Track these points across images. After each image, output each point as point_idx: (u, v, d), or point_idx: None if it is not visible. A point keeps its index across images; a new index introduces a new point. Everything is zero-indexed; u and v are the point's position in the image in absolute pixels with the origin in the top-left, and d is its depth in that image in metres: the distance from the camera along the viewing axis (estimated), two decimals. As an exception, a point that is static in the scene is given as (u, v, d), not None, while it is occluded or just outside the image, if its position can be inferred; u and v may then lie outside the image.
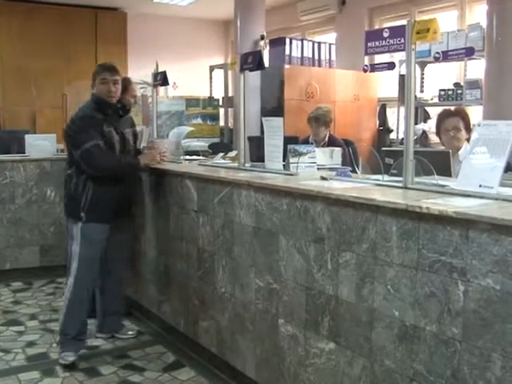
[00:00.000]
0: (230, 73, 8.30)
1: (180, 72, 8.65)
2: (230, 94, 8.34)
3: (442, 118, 3.94)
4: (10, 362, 3.79)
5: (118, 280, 4.24)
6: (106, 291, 4.17)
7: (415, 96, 2.74)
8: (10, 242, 5.61)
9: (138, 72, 6.97)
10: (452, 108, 4.21)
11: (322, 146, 4.97)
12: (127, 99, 4.58)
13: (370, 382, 2.49)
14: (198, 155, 5.03)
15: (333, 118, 5.54)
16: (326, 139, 5.35)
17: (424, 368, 2.24)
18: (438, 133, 4.01)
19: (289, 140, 3.71)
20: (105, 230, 3.87)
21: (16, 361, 3.81)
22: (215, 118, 7.87)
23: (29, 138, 5.79)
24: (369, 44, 2.73)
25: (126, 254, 4.28)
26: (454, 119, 3.84)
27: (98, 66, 4.00)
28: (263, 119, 3.70)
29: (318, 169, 3.52)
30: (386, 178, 2.84)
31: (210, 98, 8.29)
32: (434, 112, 6.55)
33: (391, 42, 2.63)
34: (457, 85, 6.49)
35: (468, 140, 3.75)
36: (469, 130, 3.82)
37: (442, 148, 3.94)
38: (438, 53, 3.39)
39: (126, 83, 4.64)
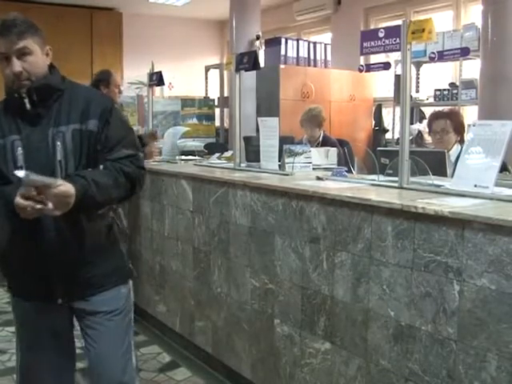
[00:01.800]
0: (225, 73, 8.29)
1: (175, 72, 8.63)
2: (226, 94, 8.34)
3: (431, 119, 4.01)
4: (5, 362, 3.78)
5: None
6: None
7: (411, 96, 2.74)
8: (5, 243, 5.58)
9: (134, 72, 6.97)
10: (444, 109, 4.24)
11: (316, 146, 4.98)
12: (113, 91, 4.50)
13: (365, 382, 2.49)
14: (194, 155, 5.03)
15: (325, 117, 5.56)
16: (320, 139, 5.38)
17: (419, 368, 2.24)
18: (429, 134, 4.07)
19: (284, 140, 3.71)
20: (26, 310, 2.39)
21: (12, 361, 3.79)
22: (211, 118, 7.86)
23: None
24: (364, 44, 2.74)
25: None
26: (441, 121, 3.88)
27: None
28: (259, 119, 3.71)
29: (313, 169, 3.52)
30: (382, 177, 2.84)
31: (206, 98, 8.28)
32: (430, 112, 6.57)
33: (387, 42, 2.63)
34: (452, 85, 6.51)
35: (460, 141, 3.78)
36: (459, 131, 3.85)
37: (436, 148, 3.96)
38: (433, 53, 3.42)
39: (107, 76, 4.56)
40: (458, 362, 2.09)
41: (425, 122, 6.76)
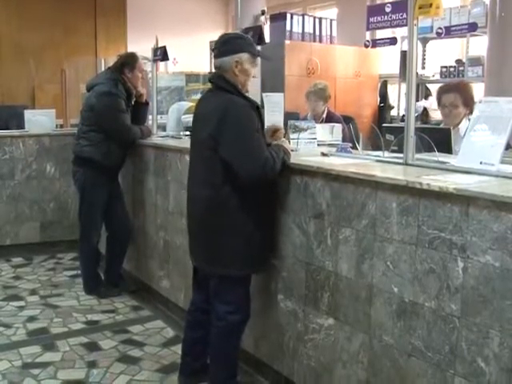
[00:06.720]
0: (230, 48, 8.23)
1: (180, 47, 8.57)
2: (231, 70, 8.28)
3: (440, 93, 3.92)
4: (10, 336, 3.81)
5: None
6: None
7: (417, 73, 2.71)
8: (10, 218, 5.61)
9: (138, 47, 6.91)
10: (454, 81, 4.17)
11: (320, 122, 4.95)
12: (136, 76, 4.44)
13: (368, 358, 2.51)
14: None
15: (330, 94, 5.52)
16: (324, 115, 5.34)
17: (422, 344, 2.25)
18: (438, 107, 4.01)
19: (289, 116, 3.69)
20: None
21: (17, 335, 3.83)
22: (215, 93, 7.80)
23: (28, 114, 5.76)
24: (370, 19, 2.71)
25: None
26: (450, 95, 3.80)
27: None
28: (263, 95, 3.69)
29: (318, 145, 3.51)
30: (387, 154, 2.83)
31: (211, 74, 8.24)
32: (436, 89, 6.52)
33: (393, 17, 2.60)
34: (458, 61, 6.45)
35: (470, 115, 3.72)
36: (468, 105, 3.78)
37: (442, 125, 3.93)
38: (440, 28, 3.37)
39: (133, 60, 4.48)
40: (461, 339, 2.10)
41: (430, 98, 6.73)
